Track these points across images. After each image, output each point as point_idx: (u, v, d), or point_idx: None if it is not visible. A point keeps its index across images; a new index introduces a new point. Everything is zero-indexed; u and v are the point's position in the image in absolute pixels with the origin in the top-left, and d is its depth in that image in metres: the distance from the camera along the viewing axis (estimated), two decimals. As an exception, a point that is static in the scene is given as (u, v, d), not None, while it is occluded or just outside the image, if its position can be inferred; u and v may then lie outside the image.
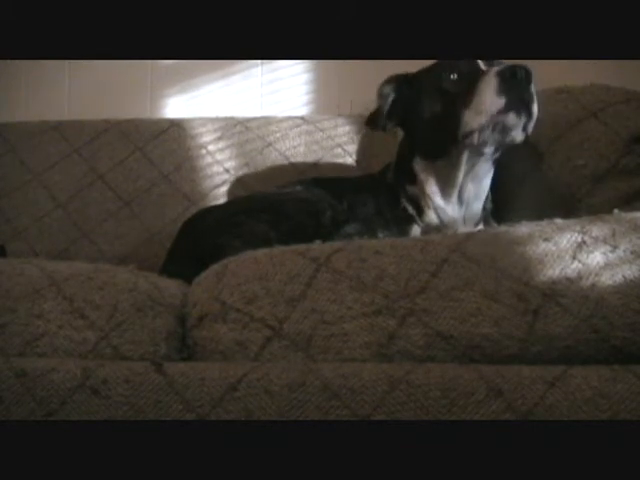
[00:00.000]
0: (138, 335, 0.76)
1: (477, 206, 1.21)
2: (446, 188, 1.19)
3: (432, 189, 1.20)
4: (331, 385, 0.66)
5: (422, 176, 1.21)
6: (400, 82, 1.23)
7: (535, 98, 1.07)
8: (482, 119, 1.07)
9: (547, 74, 1.15)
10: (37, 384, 0.68)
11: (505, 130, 1.08)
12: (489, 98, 1.06)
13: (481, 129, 1.08)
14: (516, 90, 1.05)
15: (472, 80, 1.09)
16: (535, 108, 1.07)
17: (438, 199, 1.20)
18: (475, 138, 1.10)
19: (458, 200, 1.20)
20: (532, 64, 1.24)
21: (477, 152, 1.14)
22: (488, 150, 1.14)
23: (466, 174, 1.18)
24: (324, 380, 0.66)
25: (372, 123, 1.26)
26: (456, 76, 1.13)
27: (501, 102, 1.05)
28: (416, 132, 1.22)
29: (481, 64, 1.13)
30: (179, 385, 0.68)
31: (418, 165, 1.21)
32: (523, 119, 1.07)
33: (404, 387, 0.65)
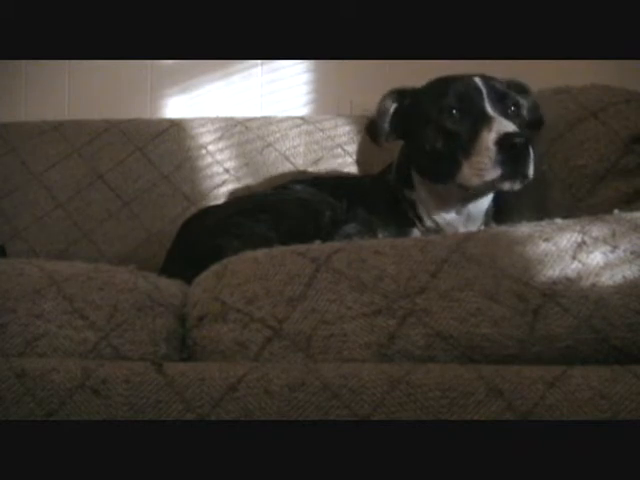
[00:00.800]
0: (138, 335, 0.76)
1: (478, 215, 1.21)
2: (444, 206, 1.19)
3: (429, 204, 1.19)
4: (331, 385, 0.66)
5: (419, 188, 1.20)
6: (401, 96, 1.21)
7: (532, 162, 1.06)
8: (478, 181, 1.07)
9: (547, 74, 1.16)
10: (37, 384, 0.68)
11: (501, 190, 1.10)
12: (487, 166, 1.05)
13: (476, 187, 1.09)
14: (512, 162, 1.04)
15: (474, 127, 1.07)
16: (531, 171, 1.06)
17: (435, 212, 1.19)
18: (471, 189, 1.10)
19: (457, 213, 1.19)
20: (532, 64, 1.24)
21: (474, 195, 1.15)
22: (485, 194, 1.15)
23: (464, 200, 1.17)
24: (324, 380, 0.66)
25: (372, 135, 1.24)
26: (458, 115, 1.10)
27: (497, 172, 1.05)
28: (415, 153, 1.20)
29: (486, 101, 1.10)
30: (179, 385, 0.68)
31: (416, 177, 1.20)
32: (518, 183, 1.07)
33: (404, 387, 0.65)
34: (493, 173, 1.05)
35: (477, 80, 1.12)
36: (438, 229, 1.19)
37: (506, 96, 1.12)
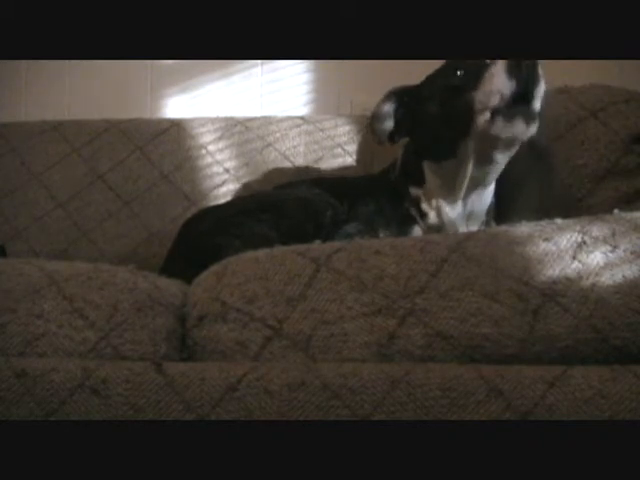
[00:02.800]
0: (138, 335, 0.76)
1: (480, 212, 1.21)
2: (452, 192, 1.19)
3: (438, 192, 1.19)
4: (331, 385, 0.66)
5: (430, 179, 1.20)
6: (400, 94, 1.22)
7: (542, 83, 1.06)
8: (495, 100, 1.06)
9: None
10: (37, 384, 0.68)
11: (516, 115, 1.07)
12: (500, 81, 1.06)
13: (493, 110, 1.07)
14: (524, 77, 1.05)
15: (480, 71, 1.09)
16: (540, 93, 1.06)
17: (442, 202, 1.20)
18: (487, 116, 1.08)
19: (462, 206, 1.19)
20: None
21: (486, 157, 1.13)
22: (498, 155, 1.13)
23: (472, 182, 1.17)
24: (324, 380, 0.66)
25: (378, 140, 1.25)
26: (463, 72, 1.12)
27: (512, 85, 1.05)
28: (424, 137, 1.20)
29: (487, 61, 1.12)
30: (179, 385, 0.68)
31: (427, 167, 1.20)
32: (530, 117, 1.07)
33: (404, 387, 0.65)
34: (507, 87, 1.05)
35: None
36: (440, 226, 1.20)
37: None
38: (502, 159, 1.15)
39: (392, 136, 1.24)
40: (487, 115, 1.07)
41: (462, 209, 1.19)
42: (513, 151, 1.13)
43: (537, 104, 1.07)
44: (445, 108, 1.14)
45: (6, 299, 0.76)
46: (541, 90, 1.06)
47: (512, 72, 1.05)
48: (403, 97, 1.22)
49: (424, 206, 1.21)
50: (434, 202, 1.20)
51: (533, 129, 1.08)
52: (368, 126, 1.27)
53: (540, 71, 1.06)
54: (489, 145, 1.11)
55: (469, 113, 1.09)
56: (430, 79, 1.20)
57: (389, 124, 1.23)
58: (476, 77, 1.09)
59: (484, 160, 1.14)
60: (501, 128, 1.08)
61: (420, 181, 1.21)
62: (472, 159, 1.14)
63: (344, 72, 1.76)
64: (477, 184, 1.17)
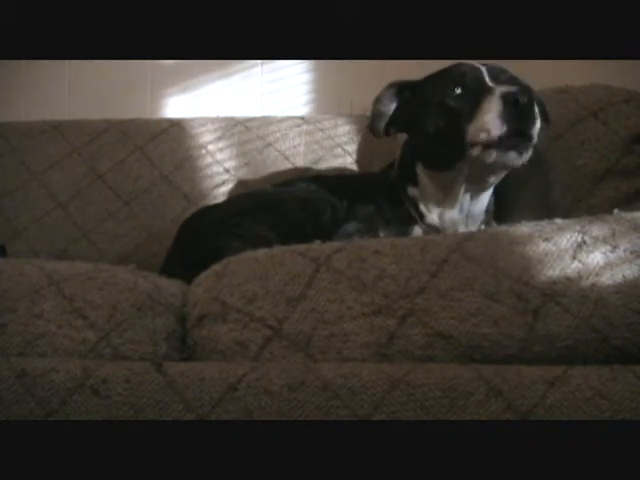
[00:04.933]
0: (138, 335, 0.76)
1: (479, 213, 1.21)
2: (447, 199, 1.18)
3: (433, 196, 1.19)
4: (331, 385, 0.66)
5: (424, 181, 1.20)
6: (401, 88, 1.22)
7: (537, 122, 1.06)
8: (485, 137, 1.06)
9: (547, 74, 1.15)
10: (37, 384, 0.68)
11: (509, 149, 1.07)
12: (492, 122, 1.05)
13: (484, 144, 1.07)
14: (519, 117, 1.04)
15: (476, 97, 1.08)
16: (536, 129, 1.06)
17: (439, 207, 1.19)
18: (479, 149, 1.08)
19: (459, 210, 1.19)
20: (532, 64, 1.24)
21: (479, 175, 1.13)
22: (490, 179, 1.14)
23: (467, 191, 1.17)
24: (324, 380, 0.66)
25: (374, 129, 1.25)
26: (460, 90, 1.11)
27: (503, 128, 1.04)
28: (419, 142, 1.21)
29: (486, 76, 1.11)
30: (179, 385, 0.68)
31: (420, 170, 1.21)
32: (525, 147, 1.06)
33: (404, 387, 0.65)
34: (499, 129, 1.04)
35: (474, 62, 1.14)
36: (439, 227, 1.20)
37: (504, 71, 1.14)
38: (496, 179, 1.16)
39: (387, 129, 1.24)
40: (479, 147, 1.08)
41: (460, 211, 1.19)
42: (506, 173, 1.14)
43: (532, 138, 1.06)
44: (439, 129, 1.13)
45: (6, 299, 0.76)
46: (537, 128, 1.06)
47: (506, 111, 1.04)
48: (403, 91, 1.22)
49: (421, 207, 1.21)
50: (431, 204, 1.20)
51: (527, 157, 1.08)
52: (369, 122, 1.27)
53: (536, 109, 1.05)
54: (482, 169, 1.12)
55: (462, 142, 1.09)
56: (429, 82, 1.19)
57: (386, 116, 1.23)
58: (471, 106, 1.08)
59: (478, 179, 1.15)
60: (494, 158, 1.08)
61: (415, 182, 1.22)
62: (465, 177, 1.14)
63: (344, 72, 1.76)
64: (473, 192, 1.18)
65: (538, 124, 1.06)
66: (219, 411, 0.66)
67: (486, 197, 1.20)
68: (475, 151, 1.08)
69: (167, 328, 0.78)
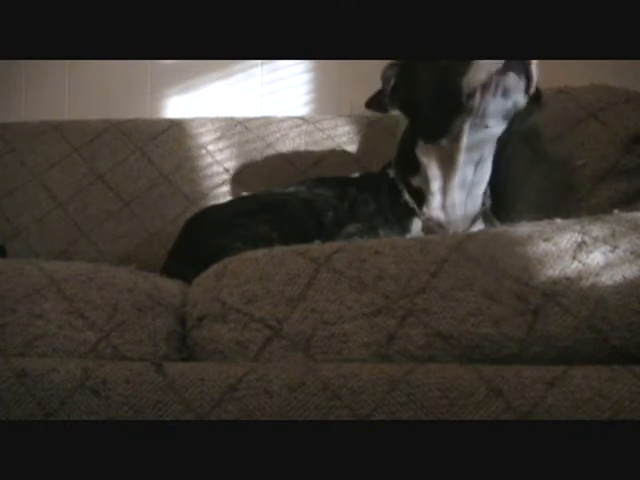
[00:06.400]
0: (138, 335, 0.76)
1: (478, 192, 1.21)
2: (448, 170, 1.19)
3: (434, 172, 1.20)
4: (331, 385, 0.66)
5: (424, 160, 1.21)
6: (401, 67, 1.24)
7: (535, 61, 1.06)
8: (482, 76, 1.06)
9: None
10: (37, 384, 0.68)
11: (507, 93, 1.08)
12: (486, 62, 1.06)
13: (483, 88, 1.07)
14: None
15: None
16: (534, 69, 1.06)
17: (440, 182, 1.20)
18: (477, 99, 1.08)
19: (460, 184, 1.19)
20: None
21: (481, 123, 1.13)
22: (492, 122, 1.13)
23: (469, 151, 1.16)
24: (324, 380, 0.66)
25: (373, 105, 1.27)
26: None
27: (499, 62, 1.05)
28: (417, 112, 1.22)
29: None
30: (179, 385, 0.68)
31: (420, 150, 1.21)
32: (523, 80, 1.07)
33: (404, 387, 0.65)
34: (495, 63, 1.05)
35: None
36: (439, 216, 1.20)
37: None
38: (498, 126, 1.15)
39: (386, 105, 1.26)
40: (479, 94, 1.08)
41: (460, 187, 1.19)
42: (509, 118, 1.14)
43: (532, 76, 1.07)
44: (436, 85, 1.14)
45: (6, 299, 0.76)
46: (534, 67, 1.06)
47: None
48: (403, 70, 1.24)
49: (425, 193, 1.21)
50: (433, 186, 1.20)
51: (527, 97, 1.08)
52: (367, 101, 1.29)
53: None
54: (483, 117, 1.12)
55: (460, 97, 1.09)
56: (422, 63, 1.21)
57: (387, 93, 1.25)
58: (463, 63, 1.09)
59: (479, 129, 1.14)
60: (492, 104, 1.09)
61: (415, 169, 1.22)
62: (466, 132, 1.14)
63: (344, 72, 1.76)
64: (474, 157, 1.18)
65: (535, 63, 1.06)
66: (219, 411, 0.66)
67: (485, 172, 1.20)
68: (475, 101, 1.08)
69: (167, 328, 0.78)
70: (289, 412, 0.65)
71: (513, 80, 1.07)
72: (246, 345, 0.73)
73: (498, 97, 1.08)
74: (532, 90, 1.09)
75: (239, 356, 0.73)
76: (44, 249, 1.49)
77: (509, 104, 1.10)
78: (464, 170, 1.18)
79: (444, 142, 1.17)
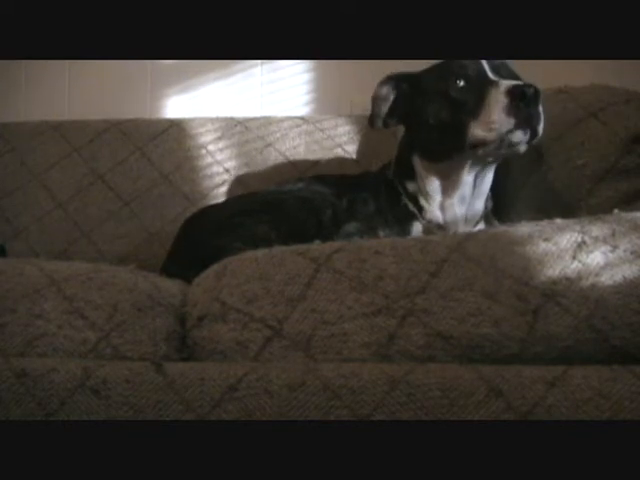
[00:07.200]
0: (138, 335, 0.76)
1: (479, 205, 1.21)
2: (447, 188, 1.19)
3: (432, 187, 1.20)
4: (331, 385, 0.66)
5: (422, 174, 1.20)
6: (399, 80, 1.22)
7: (542, 117, 1.07)
8: (491, 136, 1.07)
9: (547, 74, 1.15)
10: (37, 384, 0.68)
11: (511, 145, 1.08)
12: (499, 117, 1.05)
13: (488, 143, 1.08)
14: (525, 110, 1.05)
15: (480, 91, 1.09)
16: (541, 127, 1.07)
17: (439, 197, 1.20)
18: (481, 150, 1.10)
19: (459, 199, 1.19)
20: (532, 64, 1.24)
21: (481, 161, 1.14)
22: (491, 160, 1.15)
23: (467, 176, 1.17)
24: (324, 380, 0.66)
25: (372, 122, 1.26)
26: (463, 83, 1.12)
27: (511, 122, 1.05)
28: (419, 134, 1.21)
29: (487, 70, 1.12)
30: (179, 385, 0.68)
31: (417, 163, 1.21)
32: (528, 135, 1.07)
33: (404, 387, 0.65)
34: (507, 123, 1.05)
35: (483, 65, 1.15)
36: (440, 219, 1.20)
37: (504, 65, 1.15)
38: (498, 160, 1.17)
39: (386, 121, 1.25)
40: (481, 147, 1.09)
41: (459, 203, 1.19)
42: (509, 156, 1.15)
43: (538, 134, 1.08)
44: (441, 121, 1.14)
45: (6, 299, 0.76)
46: (542, 123, 1.07)
47: (513, 106, 1.04)
48: (401, 83, 1.22)
49: (422, 201, 1.21)
50: (430, 196, 1.20)
51: (531, 145, 1.10)
52: (369, 117, 1.28)
53: (541, 107, 1.06)
54: (483, 157, 1.13)
55: (464, 137, 1.10)
56: (430, 74, 1.20)
57: (385, 108, 1.23)
58: (476, 100, 1.08)
59: (479, 163, 1.15)
60: (497, 151, 1.10)
61: (413, 176, 1.22)
62: (464, 166, 1.15)
63: (344, 72, 1.76)
64: (473, 179, 1.18)
65: (542, 121, 1.07)
66: (219, 411, 0.66)
67: (486, 183, 1.20)
68: (479, 151, 1.10)
69: (167, 328, 0.78)
70: (289, 412, 0.65)
71: (520, 137, 1.07)
72: (246, 345, 0.73)
73: (502, 148, 1.09)
74: (535, 142, 1.10)
75: (239, 356, 0.73)
76: (44, 249, 1.49)
77: (511, 152, 1.11)
78: (463, 188, 1.18)
79: (443, 165, 1.17)
